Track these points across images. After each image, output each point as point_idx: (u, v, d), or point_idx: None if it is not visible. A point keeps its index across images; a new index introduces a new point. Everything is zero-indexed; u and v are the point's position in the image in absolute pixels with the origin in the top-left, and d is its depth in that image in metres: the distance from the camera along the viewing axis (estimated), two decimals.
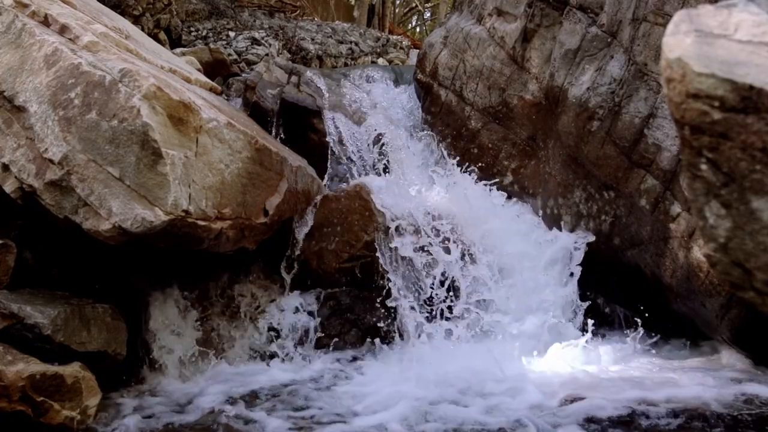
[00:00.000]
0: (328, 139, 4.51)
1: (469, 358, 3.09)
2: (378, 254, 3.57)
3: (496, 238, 3.86)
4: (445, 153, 4.51)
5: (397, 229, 3.63)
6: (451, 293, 3.56)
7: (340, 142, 4.55)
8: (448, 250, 3.65)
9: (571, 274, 3.64)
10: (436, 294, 3.52)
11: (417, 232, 3.68)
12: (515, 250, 3.81)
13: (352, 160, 4.47)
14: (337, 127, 4.59)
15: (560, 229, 3.87)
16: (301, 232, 3.62)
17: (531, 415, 2.38)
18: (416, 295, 3.53)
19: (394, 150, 4.60)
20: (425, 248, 3.64)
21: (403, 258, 3.60)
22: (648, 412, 2.33)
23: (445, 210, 3.93)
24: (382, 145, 4.65)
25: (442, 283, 3.56)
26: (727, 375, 2.79)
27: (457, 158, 4.41)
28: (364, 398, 2.66)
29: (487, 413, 2.44)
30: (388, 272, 3.54)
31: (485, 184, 4.32)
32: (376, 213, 3.68)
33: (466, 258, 3.71)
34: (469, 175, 4.37)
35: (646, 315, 3.27)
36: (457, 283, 3.58)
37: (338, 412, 2.53)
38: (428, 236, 3.67)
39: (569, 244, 3.73)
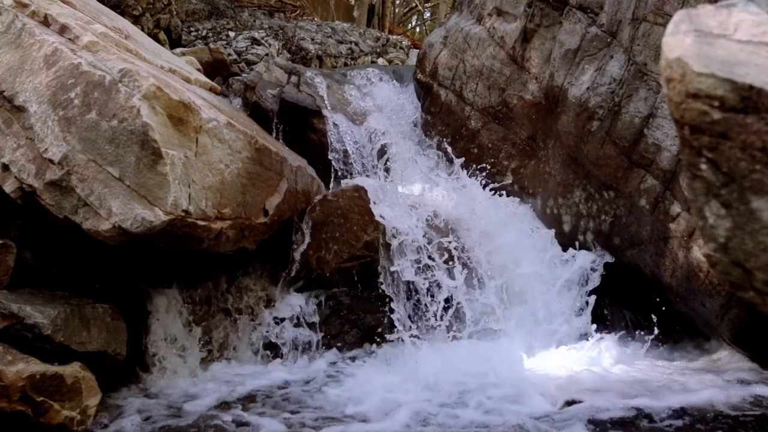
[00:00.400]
0: (330, 156, 4.38)
1: (470, 359, 3.06)
2: (381, 279, 3.45)
3: (507, 257, 3.62)
4: (459, 167, 4.27)
5: (399, 245, 3.46)
6: (456, 320, 3.39)
7: (345, 162, 4.40)
8: (452, 274, 3.44)
9: (587, 303, 3.44)
10: (439, 324, 3.35)
11: (420, 249, 3.48)
12: (527, 272, 3.55)
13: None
14: (342, 143, 4.45)
15: (560, 229, 3.86)
16: (300, 233, 3.62)
17: (532, 419, 2.35)
18: (418, 324, 3.38)
19: (401, 165, 4.38)
20: (428, 267, 3.44)
21: (406, 282, 3.45)
22: (651, 414, 2.30)
23: (452, 221, 3.72)
24: (388, 160, 4.47)
25: (446, 309, 3.40)
26: (732, 376, 2.76)
27: (462, 159, 4.30)
28: (364, 402, 2.64)
29: (487, 418, 2.42)
30: (391, 300, 3.41)
31: (493, 189, 4.14)
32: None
33: (474, 282, 3.49)
34: (476, 179, 4.21)
35: (648, 316, 3.25)
36: (462, 309, 3.41)
37: (336, 416, 2.51)
38: (432, 259, 3.46)
39: (586, 264, 3.53)
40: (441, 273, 3.46)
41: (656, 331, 3.14)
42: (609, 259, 3.51)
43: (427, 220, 3.67)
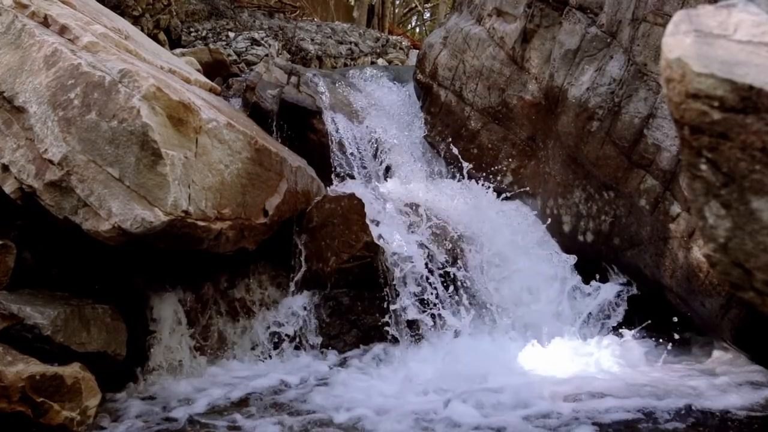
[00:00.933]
0: (332, 159, 4.25)
1: (471, 360, 3.02)
2: (386, 318, 3.29)
3: (521, 286, 3.33)
4: (467, 178, 4.02)
5: (401, 276, 3.27)
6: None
7: (346, 164, 4.25)
8: (458, 311, 3.22)
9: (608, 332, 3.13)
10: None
11: (423, 279, 3.24)
12: (547, 310, 3.22)
13: None
14: (342, 145, 4.33)
15: (560, 229, 3.84)
16: (300, 234, 3.61)
17: (536, 422, 2.32)
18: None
19: (405, 180, 4.10)
20: (433, 303, 3.24)
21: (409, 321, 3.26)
22: (656, 416, 2.28)
23: (459, 240, 3.46)
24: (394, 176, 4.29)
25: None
26: (741, 378, 2.72)
27: (470, 166, 4.12)
28: (362, 406, 2.59)
29: (489, 421, 2.37)
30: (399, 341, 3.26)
31: (507, 197, 3.95)
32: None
33: (485, 319, 3.27)
34: (486, 191, 4.01)
35: (653, 317, 3.22)
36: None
37: (332, 422, 2.47)
38: (435, 288, 3.22)
39: (610, 297, 3.27)
40: (447, 312, 3.24)
41: (676, 337, 3.06)
42: (634, 291, 3.26)
43: (432, 236, 3.46)
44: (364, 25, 12.27)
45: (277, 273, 3.59)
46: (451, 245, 3.56)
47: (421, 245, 3.44)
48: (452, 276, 3.42)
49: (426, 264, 3.37)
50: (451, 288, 3.39)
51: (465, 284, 3.39)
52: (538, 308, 3.30)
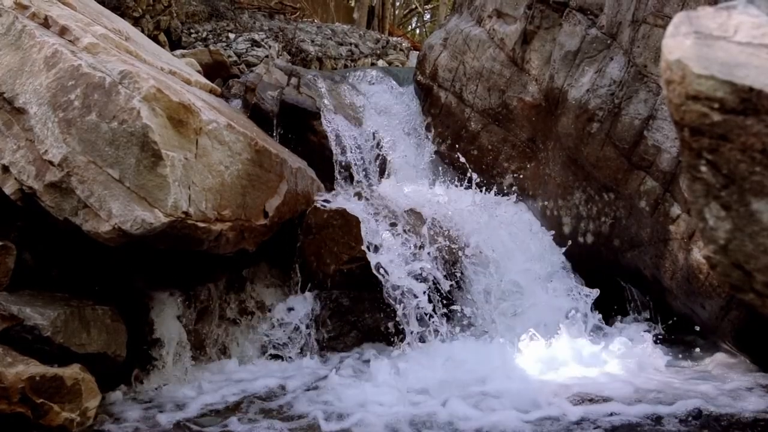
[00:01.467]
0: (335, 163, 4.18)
1: (473, 363, 2.98)
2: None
3: (539, 323, 3.10)
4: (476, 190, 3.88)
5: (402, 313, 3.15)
6: None
7: (346, 168, 4.17)
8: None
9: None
10: None
11: (425, 317, 3.08)
12: (568, 368, 2.92)
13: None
14: (342, 147, 4.25)
15: (560, 231, 3.84)
16: (300, 235, 3.61)
17: (540, 426, 2.30)
18: None
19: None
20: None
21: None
22: (663, 420, 2.26)
23: (470, 264, 3.28)
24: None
25: None
26: (747, 381, 2.68)
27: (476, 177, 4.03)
28: (359, 409, 2.56)
29: (492, 425, 2.34)
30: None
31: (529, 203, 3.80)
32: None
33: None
34: (510, 196, 3.88)
35: (660, 318, 3.20)
36: None
37: (325, 425, 2.44)
38: (439, 333, 3.05)
39: (635, 336, 3.09)
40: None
41: (683, 339, 3.02)
42: (659, 330, 3.10)
43: (436, 261, 3.33)
44: (364, 27, 12.29)
45: (277, 274, 3.59)
46: (459, 273, 3.42)
47: (424, 278, 3.26)
48: (459, 312, 3.29)
49: (429, 298, 3.20)
50: (458, 329, 3.27)
51: (473, 323, 3.26)
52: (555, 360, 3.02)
